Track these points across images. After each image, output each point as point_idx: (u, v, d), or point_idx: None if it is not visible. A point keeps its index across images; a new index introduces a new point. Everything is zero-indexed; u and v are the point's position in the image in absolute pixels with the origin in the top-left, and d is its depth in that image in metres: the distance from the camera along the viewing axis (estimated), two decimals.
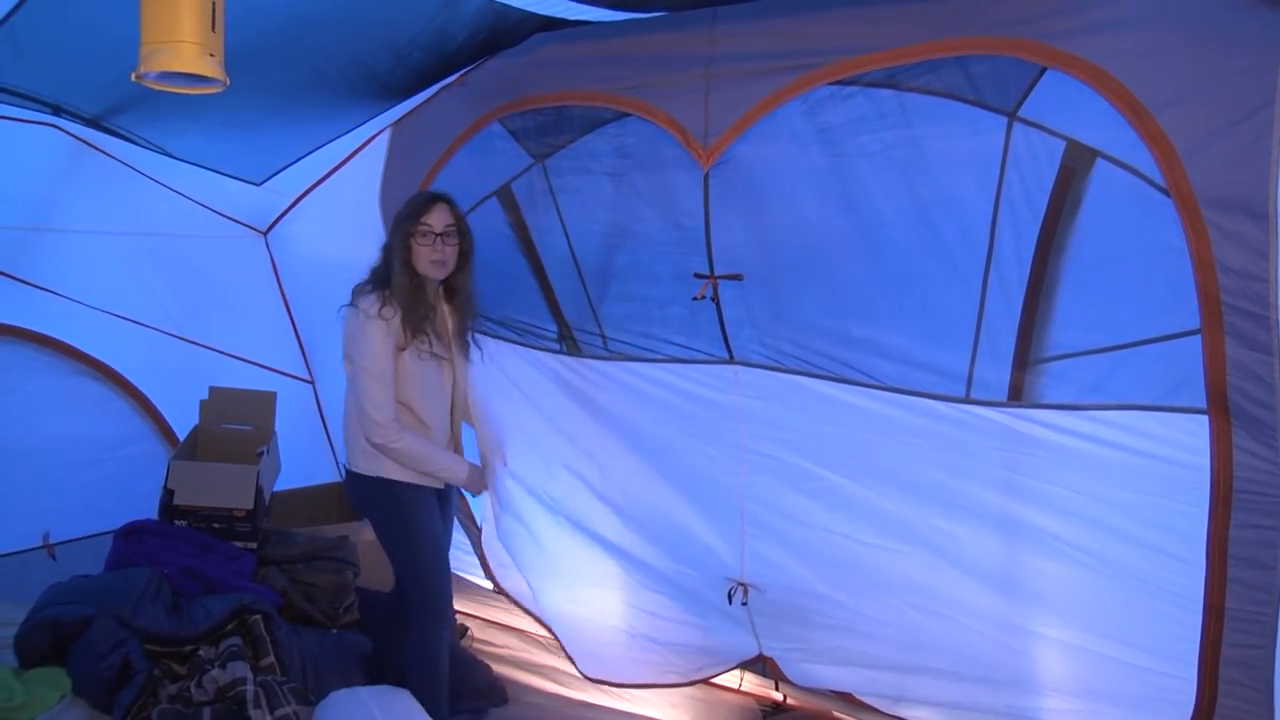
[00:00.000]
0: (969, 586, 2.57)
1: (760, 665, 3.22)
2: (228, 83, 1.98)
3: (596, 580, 3.36)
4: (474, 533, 3.81)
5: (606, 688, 3.45)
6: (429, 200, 2.89)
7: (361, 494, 2.99)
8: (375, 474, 2.90)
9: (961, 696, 2.73)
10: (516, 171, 3.06)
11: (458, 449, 3.16)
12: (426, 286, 2.90)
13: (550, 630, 3.63)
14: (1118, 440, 2.21)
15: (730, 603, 3.03)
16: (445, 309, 3.03)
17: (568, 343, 3.13)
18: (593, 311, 3.04)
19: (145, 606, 2.82)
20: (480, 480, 3.16)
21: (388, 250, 2.90)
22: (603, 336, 3.04)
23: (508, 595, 3.74)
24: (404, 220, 2.87)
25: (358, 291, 2.90)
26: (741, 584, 3.02)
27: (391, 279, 2.85)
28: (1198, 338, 2.01)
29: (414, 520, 2.93)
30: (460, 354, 3.07)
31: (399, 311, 2.83)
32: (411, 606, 2.97)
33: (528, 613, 3.73)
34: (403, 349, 2.84)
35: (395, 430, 2.82)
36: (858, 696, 3.01)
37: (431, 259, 2.85)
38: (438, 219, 2.86)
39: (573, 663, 3.51)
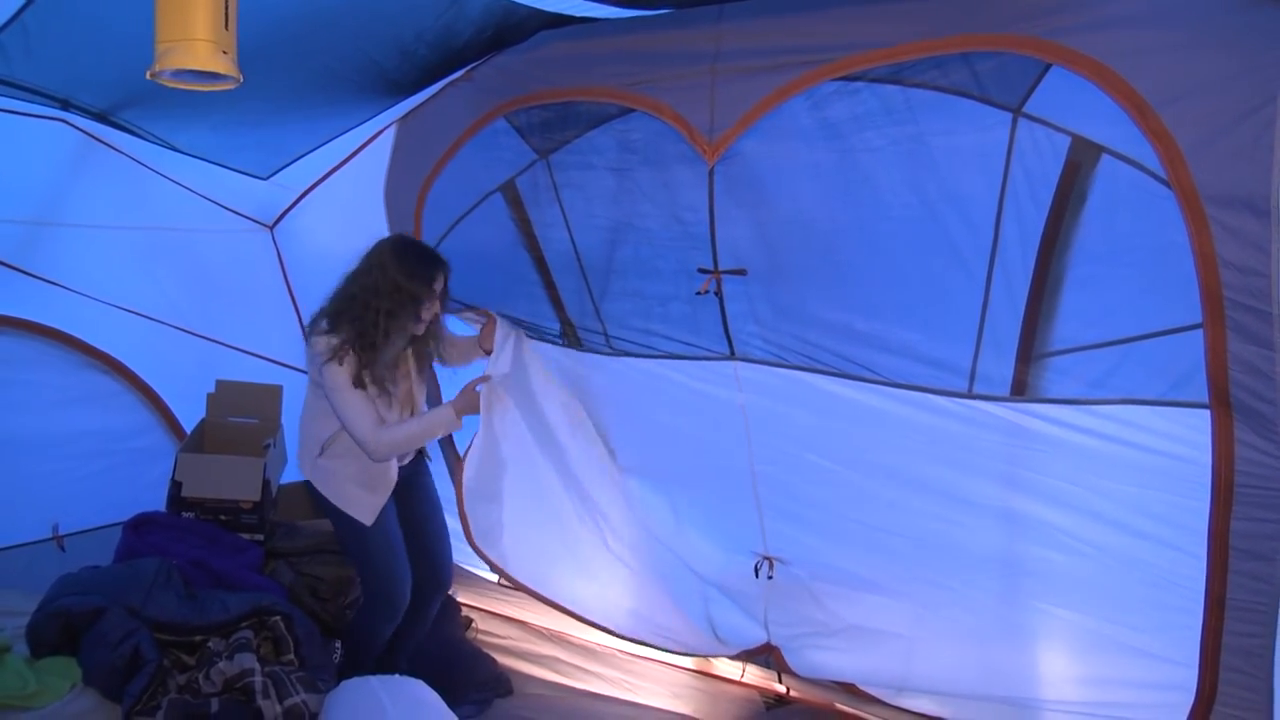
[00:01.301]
0: (974, 575, 2.61)
1: (765, 657, 3.25)
2: (241, 79, 2.01)
3: (606, 566, 3.40)
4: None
5: (609, 678, 3.47)
6: (440, 265, 2.88)
7: (318, 503, 3.04)
8: (325, 495, 2.98)
9: (964, 684, 2.76)
10: (520, 167, 3.07)
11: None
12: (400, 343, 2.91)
13: (537, 594, 3.61)
14: (1120, 435, 2.23)
15: (757, 576, 3.07)
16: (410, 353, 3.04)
17: (570, 339, 3.15)
18: (595, 307, 3.06)
19: (156, 596, 2.85)
20: (471, 401, 3.09)
21: (375, 301, 2.78)
22: (605, 334, 3.06)
23: (487, 560, 3.66)
24: (416, 281, 2.80)
25: (315, 328, 2.85)
26: (767, 558, 3.06)
27: (365, 332, 2.78)
28: (1200, 332, 2.03)
29: (365, 529, 2.98)
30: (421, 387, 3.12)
31: (355, 356, 2.80)
32: (367, 598, 3.09)
33: (507, 578, 3.68)
34: (360, 386, 2.83)
35: (374, 439, 2.83)
36: (861, 687, 3.04)
37: (426, 319, 2.90)
38: (441, 282, 2.90)
39: (568, 612, 3.53)
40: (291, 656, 2.88)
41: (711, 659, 3.46)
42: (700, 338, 2.84)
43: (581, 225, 3.01)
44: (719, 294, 2.73)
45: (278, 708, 2.65)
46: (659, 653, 3.53)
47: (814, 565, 2.98)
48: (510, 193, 3.14)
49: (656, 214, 2.82)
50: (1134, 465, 2.23)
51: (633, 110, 2.75)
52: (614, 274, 3.00)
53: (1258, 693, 2.22)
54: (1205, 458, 2.11)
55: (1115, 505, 2.30)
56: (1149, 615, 2.34)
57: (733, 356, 2.79)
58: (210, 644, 2.81)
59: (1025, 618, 2.57)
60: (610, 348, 3.05)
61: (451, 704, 2.84)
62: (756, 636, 3.22)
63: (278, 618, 2.93)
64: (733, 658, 3.38)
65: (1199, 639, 2.25)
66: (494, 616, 3.89)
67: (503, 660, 3.57)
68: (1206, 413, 2.08)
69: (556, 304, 3.17)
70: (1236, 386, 2.01)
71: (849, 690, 3.09)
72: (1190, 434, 2.12)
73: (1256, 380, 1.99)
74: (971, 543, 2.57)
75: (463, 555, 3.97)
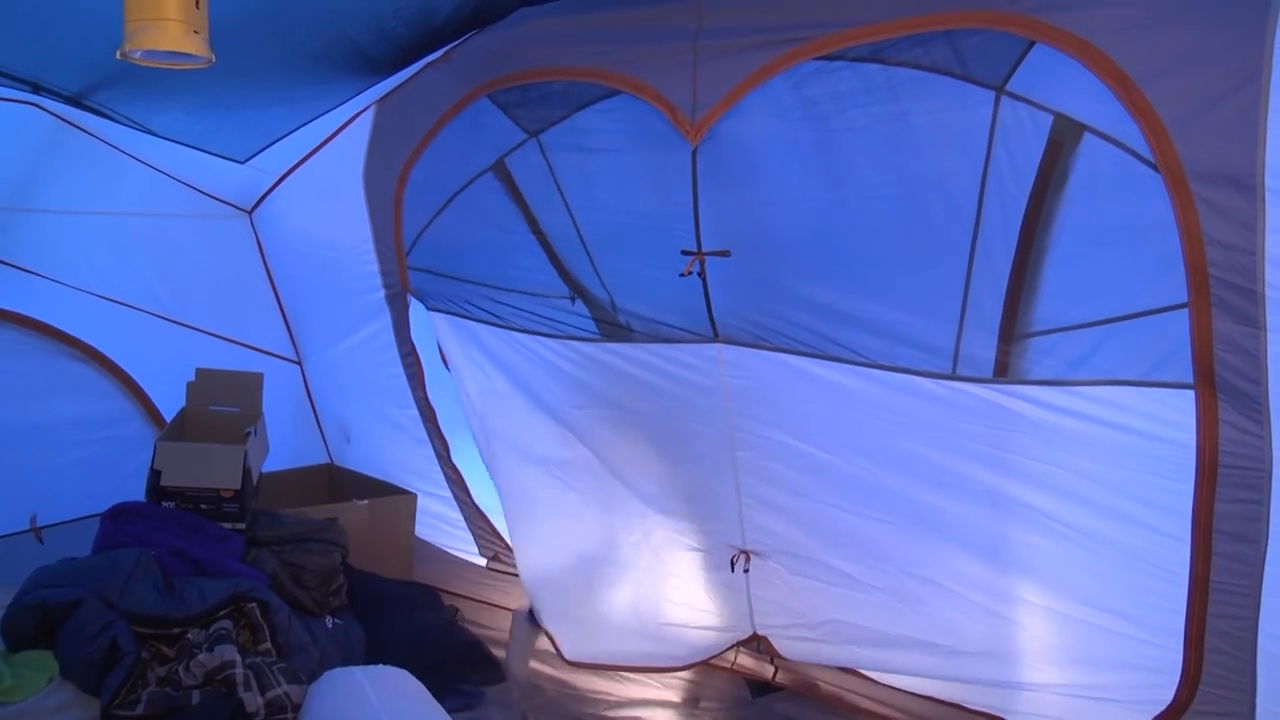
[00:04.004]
0: (957, 558, 2.60)
1: (755, 644, 3.25)
2: (213, 59, 1.98)
3: (595, 564, 3.39)
4: (469, 508, 3.82)
5: (594, 669, 3.46)
6: None
7: None
8: None
9: (948, 668, 2.76)
10: (510, 146, 3.03)
11: None
12: None
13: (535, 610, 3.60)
14: (1103, 416, 2.22)
15: (733, 570, 3.06)
16: None
17: (584, 300, 3.12)
18: (600, 280, 3.03)
19: (134, 588, 2.80)
20: None
21: None
22: (613, 304, 3.03)
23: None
24: None
25: None
26: (744, 551, 3.04)
27: None
28: (1184, 312, 2.01)
29: None
30: None
31: None
32: None
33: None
34: None
35: None
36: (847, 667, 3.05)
37: None
38: None
39: (553, 643, 3.50)
40: (268, 645, 2.85)
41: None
42: (684, 319, 2.81)
43: (573, 204, 2.98)
44: (703, 275, 2.70)
45: (259, 699, 2.61)
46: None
47: (789, 558, 2.96)
48: (502, 171, 3.11)
49: (640, 195, 2.80)
50: (1117, 447, 2.22)
51: (617, 90, 2.72)
52: (599, 254, 2.99)
53: (1241, 674, 2.23)
54: (1189, 439, 2.10)
55: (1098, 486, 2.29)
56: (1133, 597, 2.34)
57: (716, 339, 2.77)
58: (189, 635, 2.78)
59: (1009, 597, 2.56)
60: (614, 308, 3.01)
61: (439, 693, 2.81)
62: (743, 629, 3.22)
63: (253, 605, 2.89)
64: (725, 651, 3.36)
65: (1183, 621, 2.25)
66: (482, 604, 3.87)
67: (492, 649, 3.54)
68: (1190, 393, 2.07)
69: (564, 275, 3.13)
70: (1221, 366, 2.00)
71: (840, 669, 3.09)
72: (1174, 415, 2.11)
73: (1242, 360, 1.98)
74: (954, 522, 2.56)
75: (451, 540, 3.97)
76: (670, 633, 3.34)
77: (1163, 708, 2.38)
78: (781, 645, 3.16)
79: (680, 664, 3.39)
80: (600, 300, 3.06)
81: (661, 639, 3.37)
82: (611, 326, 3.02)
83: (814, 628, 3.02)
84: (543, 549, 3.51)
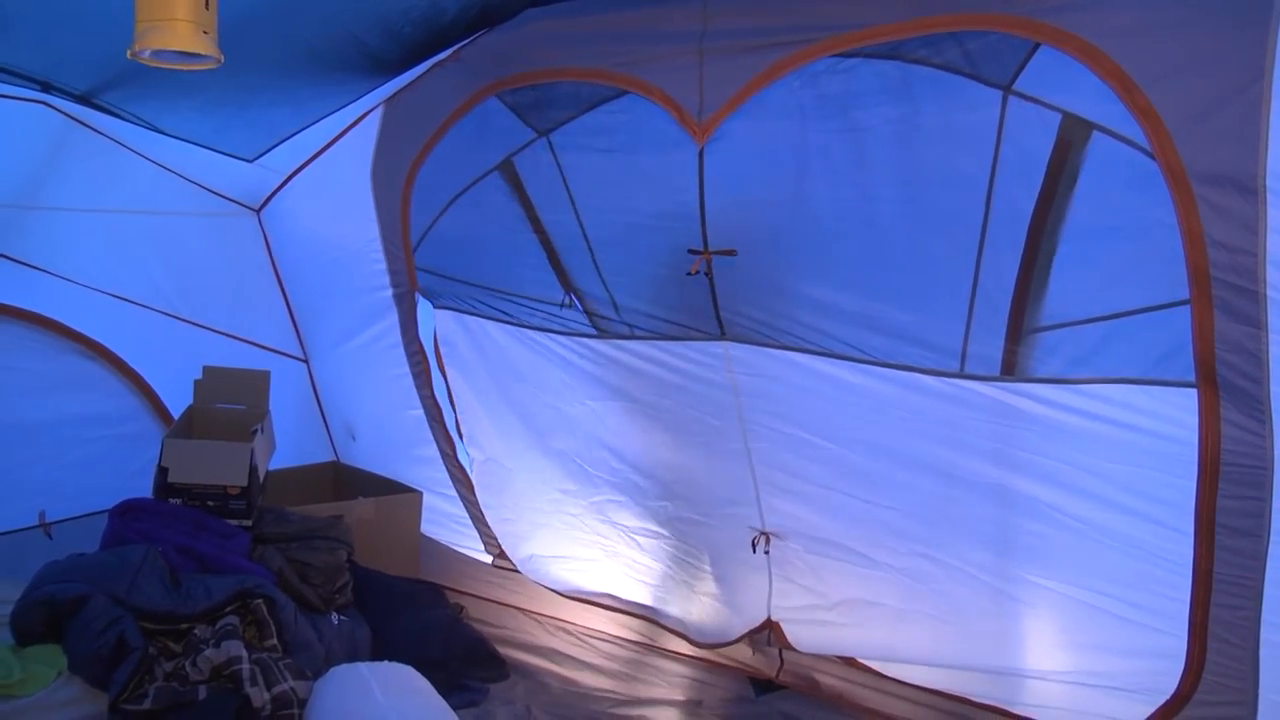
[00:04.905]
0: (967, 546, 2.63)
1: (766, 634, 3.26)
2: (222, 60, 1.99)
3: (609, 557, 3.44)
4: (474, 507, 3.84)
5: (603, 667, 3.48)
6: None
7: None
8: None
9: (956, 654, 2.78)
10: (518, 146, 3.05)
11: None
12: None
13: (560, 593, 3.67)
14: (1109, 414, 2.24)
15: (754, 551, 3.08)
16: None
17: (579, 302, 3.15)
18: (601, 279, 3.04)
19: (141, 584, 2.82)
20: None
21: None
22: (614, 304, 3.04)
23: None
24: None
25: None
26: (764, 533, 3.07)
27: None
28: (1187, 308, 2.03)
29: None
30: None
31: None
32: None
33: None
34: None
35: None
36: (855, 658, 3.07)
37: None
38: None
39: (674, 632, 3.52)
40: (274, 641, 2.86)
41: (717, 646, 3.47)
42: (691, 318, 2.83)
43: (580, 204, 3.00)
44: (709, 275, 2.72)
45: (266, 695, 2.63)
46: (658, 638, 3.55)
47: (808, 540, 2.99)
48: (508, 171, 3.12)
49: (647, 195, 2.82)
50: (1122, 444, 2.24)
51: (624, 91, 2.73)
52: (607, 253, 3.00)
53: (1244, 663, 2.25)
54: (1192, 437, 2.12)
55: (1104, 483, 2.31)
56: (1137, 588, 2.36)
57: (723, 337, 2.79)
58: (196, 631, 2.80)
59: (1015, 589, 2.59)
60: (617, 313, 3.03)
61: (445, 690, 2.83)
62: (758, 615, 3.23)
63: (259, 601, 2.91)
64: (736, 640, 3.38)
65: (1187, 610, 2.28)
66: (488, 602, 3.88)
67: (497, 647, 3.56)
68: (1193, 391, 2.09)
69: (562, 276, 3.15)
70: (1223, 365, 2.02)
71: (846, 662, 3.10)
72: (1177, 413, 2.12)
73: (1243, 359, 1.99)
74: (963, 517, 2.59)
75: (456, 537, 3.99)
76: (686, 618, 3.37)
77: (1167, 697, 2.40)
78: (792, 632, 3.18)
79: (697, 643, 3.42)
80: (599, 300, 3.08)
81: (676, 618, 3.41)
82: (609, 322, 3.05)
83: (830, 608, 3.04)
84: (549, 541, 3.54)
